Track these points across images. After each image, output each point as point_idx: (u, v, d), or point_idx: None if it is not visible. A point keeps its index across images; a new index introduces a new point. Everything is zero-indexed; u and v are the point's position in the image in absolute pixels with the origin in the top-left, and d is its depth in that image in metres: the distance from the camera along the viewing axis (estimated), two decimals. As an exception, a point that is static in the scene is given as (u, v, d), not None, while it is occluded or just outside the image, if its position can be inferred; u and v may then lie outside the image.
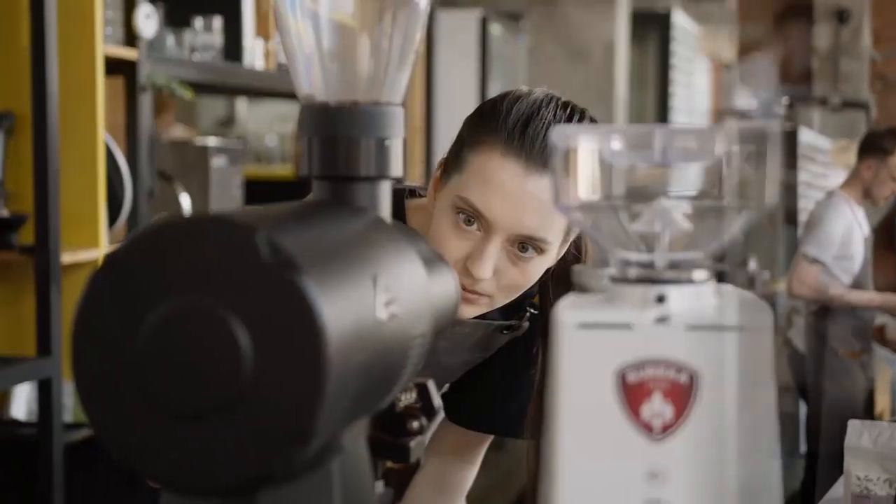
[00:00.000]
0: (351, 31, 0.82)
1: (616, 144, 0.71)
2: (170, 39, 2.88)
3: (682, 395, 0.68)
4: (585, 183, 0.72)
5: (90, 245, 2.47)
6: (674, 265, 0.72)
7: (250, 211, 0.68)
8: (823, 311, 4.34)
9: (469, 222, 1.25)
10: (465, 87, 5.04)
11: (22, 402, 2.51)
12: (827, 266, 4.23)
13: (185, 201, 2.86)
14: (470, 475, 1.52)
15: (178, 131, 4.06)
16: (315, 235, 0.68)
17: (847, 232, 4.27)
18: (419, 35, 0.84)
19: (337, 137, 0.80)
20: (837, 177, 8.61)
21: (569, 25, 5.33)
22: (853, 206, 4.31)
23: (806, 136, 7.21)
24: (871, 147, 4.32)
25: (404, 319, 0.72)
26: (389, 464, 1.04)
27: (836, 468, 4.60)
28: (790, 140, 6.99)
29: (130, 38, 2.63)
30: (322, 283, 0.62)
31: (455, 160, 1.28)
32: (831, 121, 8.19)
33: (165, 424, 0.62)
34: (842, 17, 9.31)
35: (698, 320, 0.68)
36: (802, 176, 6.74)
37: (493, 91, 5.95)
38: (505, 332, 1.43)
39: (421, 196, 1.43)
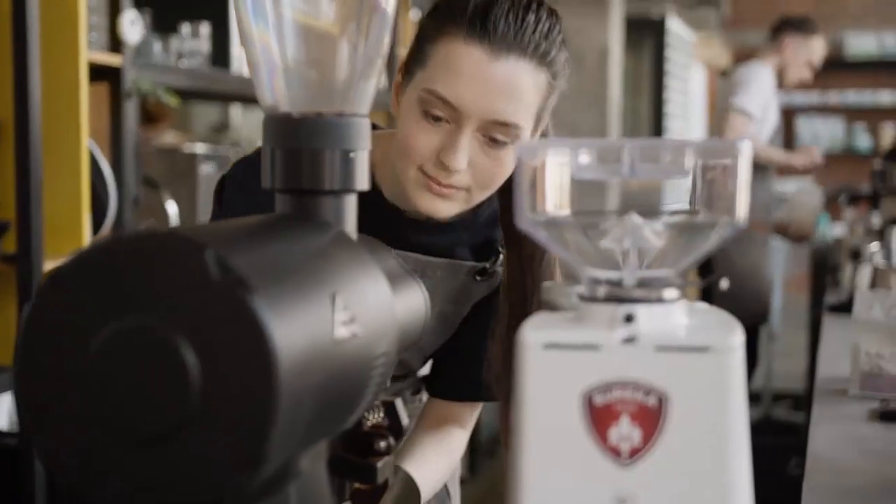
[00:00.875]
0: (315, 40, 0.80)
1: (584, 159, 0.69)
2: (156, 45, 2.86)
3: (651, 418, 0.66)
4: (552, 198, 0.70)
5: (74, 253, 2.44)
6: (644, 283, 0.70)
7: (205, 227, 0.65)
8: None
9: (437, 118, 1.23)
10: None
11: (4, 411, 2.48)
12: (754, 123, 4.34)
13: (172, 209, 2.84)
14: (464, 439, 1.50)
15: (169, 137, 4.04)
16: (271, 253, 0.65)
17: (769, 97, 4.38)
18: (386, 42, 0.82)
19: (300, 149, 0.78)
20: (699, 70, 8.67)
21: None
22: (773, 77, 4.44)
23: (674, 26, 7.24)
24: (792, 27, 4.43)
25: (365, 338, 0.70)
26: (357, 485, 1.02)
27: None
28: (658, 28, 7.06)
29: (116, 44, 2.61)
30: (274, 303, 0.60)
31: (416, 57, 1.26)
32: (685, 15, 8.21)
33: (112, 449, 0.60)
34: None
35: (667, 341, 0.66)
36: (668, 66, 6.87)
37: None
38: (479, 277, 1.41)
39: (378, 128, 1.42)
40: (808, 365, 5.13)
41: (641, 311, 0.68)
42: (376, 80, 0.83)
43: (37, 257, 2.29)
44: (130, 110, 2.62)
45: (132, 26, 2.57)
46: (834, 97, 9.99)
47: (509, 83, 1.21)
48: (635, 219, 0.70)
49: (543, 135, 1.32)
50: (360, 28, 0.81)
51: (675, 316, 0.69)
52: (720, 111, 4.37)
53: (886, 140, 9.88)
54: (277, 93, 0.80)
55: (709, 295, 4.23)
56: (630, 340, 0.66)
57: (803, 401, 5.11)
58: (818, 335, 2.89)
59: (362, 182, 0.80)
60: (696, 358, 0.66)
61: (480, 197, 1.27)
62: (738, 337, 0.66)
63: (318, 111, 0.79)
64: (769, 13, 10.06)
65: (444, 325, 1.44)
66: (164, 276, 0.59)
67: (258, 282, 0.59)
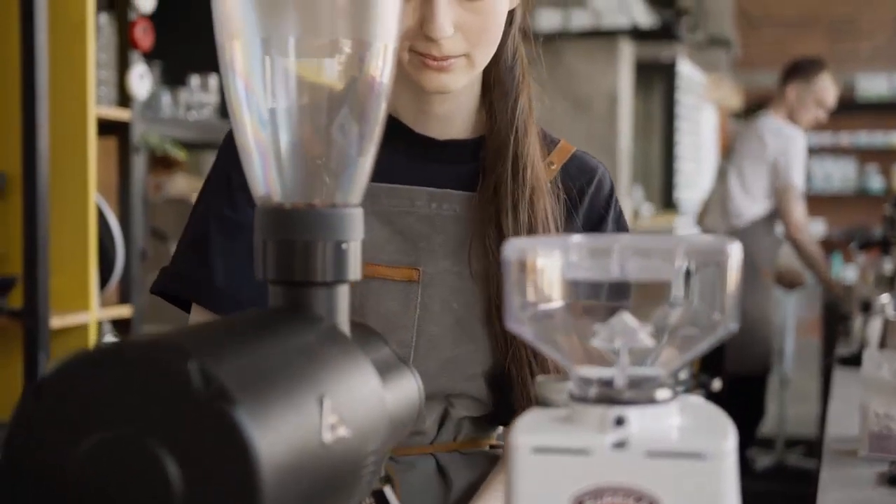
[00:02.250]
0: (309, 130, 0.80)
1: (573, 257, 0.68)
2: (165, 97, 2.87)
3: (642, 524, 0.65)
4: (540, 296, 0.70)
5: (81, 308, 2.44)
6: (635, 383, 0.69)
7: (190, 332, 0.65)
8: (751, 228, 4.40)
9: None
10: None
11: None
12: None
13: (180, 260, 2.83)
14: None
15: (181, 183, 4.05)
16: (257, 357, 0.65)
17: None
18: (378, 131, 0.81)
19: (293, 241, 0.78)
20: (710, 111, 8.67)
21: (572, 77, 5.33)
22: (803, 135, 4.46)
23: (684, 68, 7.24)
24: (795, 71, 4.46)
25: (355, 439, 0.69)
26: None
27: (742, 390, 4.62)
28: (668, 71, 7.06)
29: (124, 98, 2.62)
30: (259, 413, 0.59)
31: None
32: (696, 57, 8.21)
33: (95, 559, 0.59)
34: None
35: (659, 446, 0.65)
36: (679, 109, 6.87)
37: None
38: None
39: None
40: (819, 415, 5.09)
41: (633, 414, 0.67)
42: (369, 169, 0.82)
43: (43, 313, 2.29)
44: (138, 164, 2.63)
45: (141, 81, 2.59)
46: (846, 138, 9.99)
47: None
48: (626, 318, 0.69)
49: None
50: (352, 112, 0.81)
51: (668, 417, 0.68)
52: (781, 189, 4.35)
53: (899, 181, 9.87)
54: (270, 183, 0.80)
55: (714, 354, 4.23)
56: (621, 445, 0.65)
57: (817, 447, 5.06)
58: (829, 385, 2.87)
59: (355, 272, 0.79)
60: (688, 464, 0.65)
61: (483, 57, 1.20)
62: (731, 441, 0.65)
63: (311, 202, 0.79)
64: (780, 54, 10.10)
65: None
66: (147, 387, 0.59)
67: (242, 392, 0.59)
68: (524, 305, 0.70)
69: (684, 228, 7.54)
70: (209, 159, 4.11)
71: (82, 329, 2.47)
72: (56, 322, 2.36)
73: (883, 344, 2.81)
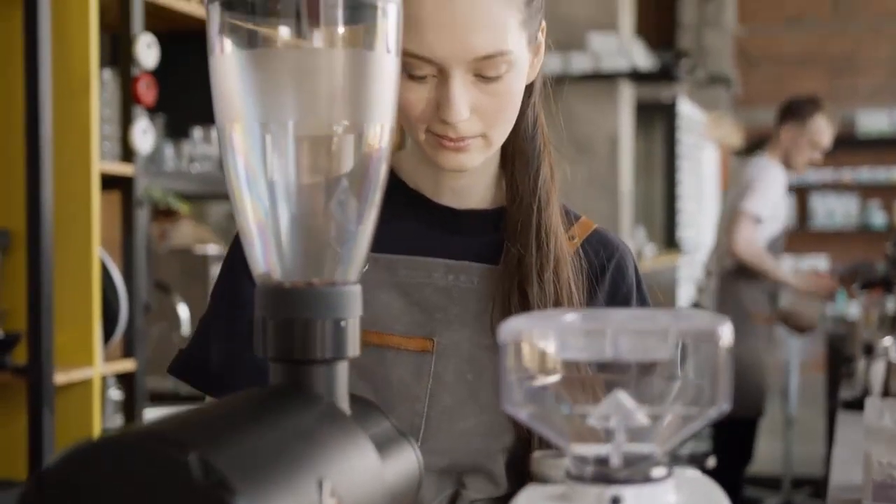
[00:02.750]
0: (306, 209, 0.81)
1: (567, 338, 0.69)
2: (168, 150, 2.90)
3: None
4: (536, 376, 0.71)
5: (85, 364, 2.45)
6: (630, 461, 0.70)
7: (190, 420, 0.66)
8: (739, 271, 4.37)
9: (419, 77, 1.14)
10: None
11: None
12: (760, 226, 4.34)
13: (184, 312, 2.85)
14: None
15: (186, 230, 4.07)
16: (255, 443, 0.66)
17: (778, 197, 4.34)
18: (375, 208, 0.83)
19: (292, 320, 0.79)
20: (711, 149, 8.68)
21: (572, 119, 5.37)
22: (782, 172, 4.45)
23: (685, 108, 7.25)
24: (789, 113, 4.45)
25: (354, 519, 0.70)
26: None
27: (730, 432, 4.61)
28: (669, 111, 7.08)
29: (127, 153, 2.64)
30: (259, 501, 0.60)
31: None
32: (696, 96, 8.23)
33: None
34: None
35: (654, 526, 0.66)
36: (680, 149, 6.87)
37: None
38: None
39: None
40: (825, 456, 5.07)
41: (629, 493, 0.68)
42: (368, 246, 0.83)
43: (47, 369, 2.30)
44: (142, 218, 2.65)
45: (144, 135, 2.61)
46: (848, 174, 10.02)
47: (475, 15, 1.11)
48: (621, 397, 0.70)
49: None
50: (351, 190, 0.83)
51: (664, 496, 0.69)
52: (728, 211, 4.38)
53: (902, 217, 9.89)
54: (269, 262, 0.81)
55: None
56: (617, 525, 0.66)
57: (823, 487, 5.04)
58: (834, 427, 2.87)
59: (354, 349, 0.80)
60: (683, 544, 0.66)
61: (500, 136, 1.19)
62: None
63: (310, 281, 0.80)
64: (780, 91, 10.15)
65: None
66: (148, 478, 0.60)
67: (242, 481, 0.60)
68: (520, 386, 0.71)
69: (687, 268, 7.55)
70: (213, 209, 4.13)
71: (86, 384, 2.47)
72: (60, 378, 2.37)
73: (886, 388, 2.81)
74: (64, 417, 2.40)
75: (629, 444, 0.70)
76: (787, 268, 4.65)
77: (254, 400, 0.74)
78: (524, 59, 1.17)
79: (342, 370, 0.80)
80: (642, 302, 1.31)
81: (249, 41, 0.78)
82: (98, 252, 2.47)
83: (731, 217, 4.35)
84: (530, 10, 1.16)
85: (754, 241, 4.26)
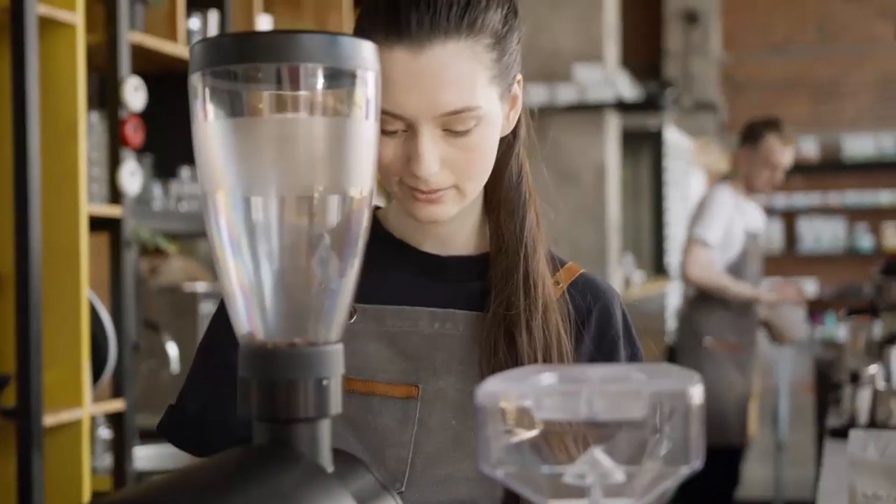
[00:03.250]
0: (288, 273, 0.83)
1: (544, 399, 0.71)
2: (157, 189, 2.92)
3: None
4: (512, 436, 0.72)
5: (74, 405, 2.46)
6: (607, 518, 0.71)
7: (170, 484, 0.67)
8: (699, 299, 4.36)
9: (390, 132, 1.15)
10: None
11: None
12: (713, 250, 4.30)
13: (173, 350, 2.86)
14: None
15: (176, 266, 4.07)
16: (240, 507, 0.67)
17: (729, 220, 4.30)
18: (355, 273, 0.85)
19: (275, 380, 0.81)
20: (698, 175, 8.71)
21: (559, 150, 5.40)
22: (738, 197, 4.39)
23: (671, 136, 7.29)
24: (744, 136, 4.48)
25: (337, 579, 0.71)
26: None
27: (715, 461, 4.55)
28: (656, 139, 7.11)
29: (115, 194, 2.66)
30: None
31: None
32: (683, 123, 8.27)
33: None
34: (691, 18, 9.46)
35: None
36: (667, 176, 6.88)
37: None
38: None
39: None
40: (815, 481, 5.09)
41: (605, 550, 0.69)
42: (349, 305, 0.85)
43: (36, 411, 2.31)
44: (130, 259, 2.66)
45: (132, 177, 2.63)
46: (834, 198, 10.08)
47: (443, 71, 1.13)
48: (598, 455, 0.72)
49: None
50: (331, 252, 0.85)
51: (639, 553, 0.70)
52: (686, 239, 4.41)
53: (888, 240, 9.94)
54: (253, 323, 0.83)
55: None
56: (593, 584, 0.68)
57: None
58: (822, 451, 2.88)
59: (336, 407, 0.82)
60: None
61: (473, 187, 1.20)
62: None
63: (292, 341, 0.82)
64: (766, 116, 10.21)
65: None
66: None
67: (226, 549, 0.61)
68: (497, 445, 0.72)
69: (675, 294, 7.57)
70: (202, 245, 4.15)
71: (75, 425, 2.48)
72: (49, 419, 2.37)
73: (873, 416, 2.83)
74: (53, 458, 2.40)
75: (606, 501, 0.72)
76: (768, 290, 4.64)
77: (237, 460, 0.76)
78: (496, 113, 1.18)
79: (325, 428, 0.82)
80: (631, 346, 1.32)
81: (232, 110, 0.81)
82: (87, 293, 2.48)
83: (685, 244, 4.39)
84: (500, 66, 1.18)
85: (706, 264, 4.25)
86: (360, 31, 1.17)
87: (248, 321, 0.83)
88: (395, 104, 1.13)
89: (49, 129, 2.45)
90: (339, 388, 0.83)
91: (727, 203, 4.32)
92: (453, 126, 1.15)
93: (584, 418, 0.71)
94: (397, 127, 1.15)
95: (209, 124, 0.80)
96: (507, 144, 1.26)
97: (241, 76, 0.80)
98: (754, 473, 6.68)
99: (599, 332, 1.30)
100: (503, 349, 1.23)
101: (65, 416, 2.42)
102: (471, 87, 1.14)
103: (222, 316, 1.28)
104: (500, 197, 1.28)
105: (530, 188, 1.30)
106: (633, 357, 1.32)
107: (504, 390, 0.72)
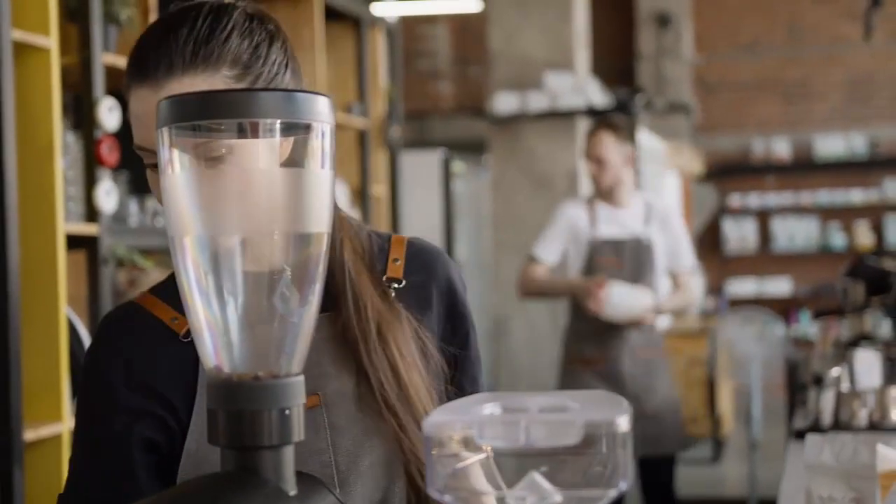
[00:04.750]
0: (252, 311, 0.89)
1: (485, 430, 0.78)
2: (133, 206, 2.97)
3: None
4: (457, 464, 0.79)
5: (53, 419, 2.51)
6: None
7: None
8: (568, 322, 4.22)
9: (153, 166, 1.20)
10: (430, 227, 5.11)
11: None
12: (544, 266, 4.12)
13: (150, 363, 2.91)
14: None
15: (155, 276, 4.11)
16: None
17: (569, 234, 4.14)
18: (314, 309, 0.91)
19: (241, 411, 0.87)
20: (672, 177, 8.78)
21: (532, 157, 5.47)
22: (581, 207, 4.19)
23: (644, 139, 7.36)
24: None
25: None
26: None
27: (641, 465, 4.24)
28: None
29: (92, 212, 2.71)
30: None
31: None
32: (656, 125, 8.36)
33: None
34: (663, 20, 9.56)
35: None
36: (641, 179, 6.87)
37: (459, 227, 6.08)
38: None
39: None
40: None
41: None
42: (309, 339, 0.91)
43: (16, 427, 2.36)
44: (107, 276, 2.72)
45: (107, 196, 2.69)
46: (807, 197, 10.20)
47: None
48: (536, 478, 0.79)
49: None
50: (293, 289, 0.91)
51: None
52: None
53: (860, 238, 10.07)
54: (219, 357, 0.89)
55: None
56: None
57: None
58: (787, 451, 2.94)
59: (299, 433, 0.89)
60: None
61: None
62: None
63: (256, 374, 0.88)
64: (739, 117, 10.34)
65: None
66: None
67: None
68: (443, 471, 0.79)
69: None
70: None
71: (55, 440, 2.53)
72: (29, 435, 2.43)
73: (836, 417, 2.90)
74: (34, 473, 2.45)
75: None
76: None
77: (205, 486, 0.82)
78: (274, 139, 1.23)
79: (288, 454, 0.88)
80: (463, 295, 1.37)
81: (197, 162, 0.87)
82: (65, 310, 2.54)
83: None
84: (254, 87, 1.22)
85: (528, 274, 4.10)
86: (124, 80, 1.23)
87: (215, 355, 0.89)
88: (142, 138, 1.20)
89: (26, 150, 2.50)
90: (301, 416, 0.89)
91: (563, 218, 4.14)
92: (208, 155, 1.11)
93: (523, 446, 0.78)
94: (156, 160, 1.15)
95: (175, 175, 0.86)
96: None
97: (205, 131, 0.87)
98: (729, 471, 6.78)
99: (444, 295, 1.35)
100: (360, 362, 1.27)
101: (45, 432, 2.47)
102: None
103: (92, 385, 1.28)
104: None
105: (339, 215, 1.31)
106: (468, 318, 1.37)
107: (449, 421, 0.79)
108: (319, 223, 0.88)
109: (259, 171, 0.87)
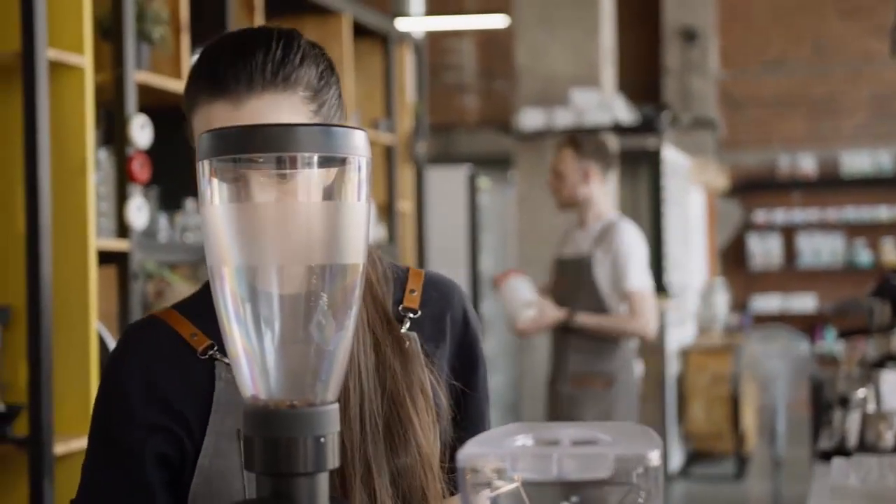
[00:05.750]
0: (289, 340, 0.91)
1: (518, 462, 0.79)
2: (163, 221, 3.00)
3: None
4: (491, 493, 0.80)
5: (84, 434, 2.53)
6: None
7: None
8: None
9: None
10: (456, 241, 5.12)
11: None
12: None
13: (178, 378, 2.93)
14: None
15: (181, 288, 4.14)
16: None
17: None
18: (349, 338, 0.92)
19: (277, 438, 0.88)
20: (697, 193, 8.74)
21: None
22: (567, 228, 4.20)
23: (669, 154, 7.35)
24: None
25: None
26: None
27: None
28: (653, 158, 7.10)
29: (123, 228, 2.74)
30: None
31: (189, 138, 1.26)
32: (681, 140, 8.33)
33: None
34: (689, 35, 9.52)
35: None
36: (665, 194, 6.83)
37: (484, 242, 6.09)
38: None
39: None
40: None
41: None
42: (345, 366, 0.93)
43: (47, 440, 2.39)
44: (137, 291, 2.74)
45: (139, 212, 2.72)
46: (833, 214, 10.16)
47: (262, 120, 1.20)
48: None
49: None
50: (329, 316, 0.93)
51: None
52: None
53: (887, 255, 10.02)
54: (256, 385, 0.91)
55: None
56: None
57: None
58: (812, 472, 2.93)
59: (333, 461, 0.90)
60: None
61: None
62: None
63: (292, 402, 0.90)
64: (764, 133, 10.32)
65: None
66: None
67: None
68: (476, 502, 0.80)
69: (675, 312, 7.64)
70: (204, 271, 4.24)
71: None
72: (60, 448, 2.45)
73: (862, 439, 2.89)
74: (64, 486, 2.48)
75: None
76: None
77: (243, 514, 0.84)
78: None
79: (323, 481, 0.90)
80: (475, 331, 1.38)
81: (237, 195, 0.89)
82: (95, 326, 2.57)
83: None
84: (319, 119, 1.25)
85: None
86: (188, 92, 1.25)
87: (252, 384, 0.91)
88: None
89: (59, 167, 2.54)
90: (336, 443, 0.91)
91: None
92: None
93: (555, 478, 0.79)
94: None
95: (215, 207, 0.88)
96: None
97: (244, 163, 0.88)
98: (753, 489, 6.76)
99: (458, 330, 1.37)
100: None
101: (75, 445, 2.50)
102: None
103: (109, 395, 1.28)
104: None
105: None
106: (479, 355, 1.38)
107: (482, 454, 0.80)
108: (356, 254, 0.90)
109: (297, 204, 0.89)
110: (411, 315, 1.33)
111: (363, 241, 0.91)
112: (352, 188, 0.89)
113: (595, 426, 0.85)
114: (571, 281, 4.09)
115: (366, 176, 0.90)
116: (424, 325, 1.34)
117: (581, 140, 4.16)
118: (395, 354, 1.29)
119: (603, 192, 4.14)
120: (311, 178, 0.87)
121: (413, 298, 1.34)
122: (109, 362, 1.31)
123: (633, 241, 4.10)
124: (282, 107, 1.21)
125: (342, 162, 0.89)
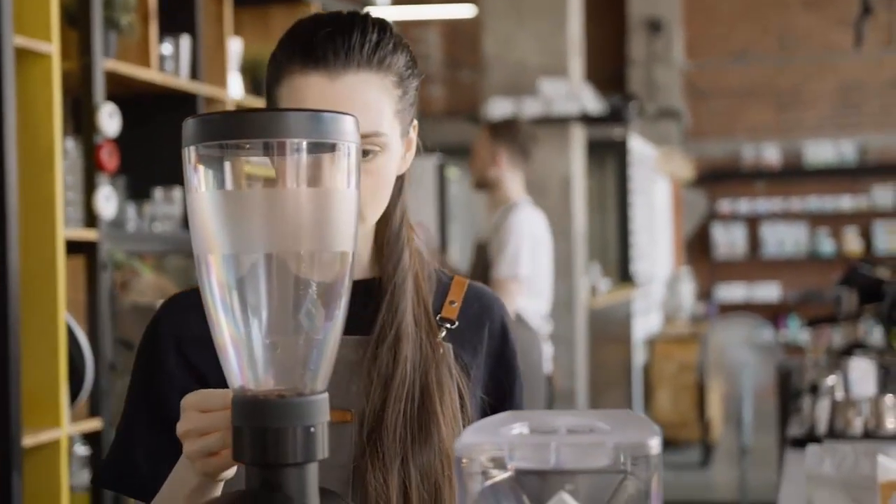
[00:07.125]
0: (276, 329, 0.89)
1: (516, 451, 0.78)
2: (131, 211, 2.97)
3: None
4: (487, 482, 0.79)
5: (52, 425, 2.51)
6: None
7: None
8: None
9: None
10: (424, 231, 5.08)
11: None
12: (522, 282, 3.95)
13: (147, 369, 2.90)
14: None
15: (147, 281, 4.10)
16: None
17: (530, 245, 4.01)
18: (339, 327, 0.91)
19: (265, 428, 0.87)
20: (663, 182, 8.79)
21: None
22: (532, 214, 4.11)
23: (636, 145, 7.40)
24: None
25: None
26: None
27: None
28: (620, 148, 7.13)
29: (91, 218, 2.71)
30: None
31: (270, 106, 1.26)
32: (647, 130, 8.38)
33: None
34: (654, 26, 9.57)
35: None
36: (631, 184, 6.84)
37: (453, 232, 6.09)
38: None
39: None
40: (778, 485, 5.18)
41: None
42: (333, 357, 0.92)
43: (15, 431, 2.36)
44: (105, 281, 2.71)
45: (107, 202, 2.68)
46: (796, 204, 10.23)
47: (354, 97, 1.22)
48: (565, 497, 0.79)
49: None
50: (317, 306, 0.91)
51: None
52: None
53: (849, 244, 10.11)
54: (244, 376, 0.89)
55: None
56: None
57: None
58: (784, 457, 2.94)
59: (323, 451, 0.89)
60: None
61: (373, 214, 1.27)
62: None
63: (281, 392, 0.89)
64: (729, 124, 10.37)
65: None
66: None
67: None
68: (474, 490, 0.79)
69: (641, 300, 7.69)
70: (173, 262, 4.19)
71: (54, 445, 2.53)
72: (28, 440, 2.42)
73: (831, 426, 2.90)
74: (32, 478, 2.45)
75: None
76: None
77: (231, 503, 0.82)
78: (397, 147, 1.27)
79: (312, 471, 0.89)
80: (513, 354, 1.39)
81: (223, 181, 0.87)
82: (64, 316, 2.53)
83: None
84: (403, 104, 1.27)
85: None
86: (276, 63, 1.26)
87: (240, 374, 0.90)
88: None
89: (26, 155, 2.50)
90: (325, 433, 0.89)
91: (523, 229, 4.03)
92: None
93: (553, 467, 0.78)
94: None
95: (201, 194, 0.87)
96: (397, 188, 1.32)
97: (231, 150, 0.87)
98: (719, 476, 6.80)
99: (496, 343, 1.38)
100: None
101: (43, 437, 2.47)
102: (378, 114, 1.23)
103: (151, 348, 1.29)
104: (385, 239, 1.34)
105: (410, 235, 1.36)
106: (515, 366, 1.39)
107: (479, 443, 0.79)
108: (345, 242, 0.89)
109: (284, 192, 0.87)
110: (448, 325, 1.33)
111: (352, 227, 0.90)
112: (341, 175, 0.88)
113: (592, 414, 0.84)
114: (477, 265, 4.08)
115: (355, 163, 0.89)
116: (462, 335, 1.35)
117: (498, 126, 4.20)
118: (431, 356, 1.30)
119: (511, 176, 4.10)
120: (299, 164, 0.86)
121: (452, 309, 1.35)
122: (150, 327, 1.31)
123: (518, 228, 3.98)
124: (374, 86, 1.23)
125: (331, 148, 0.87)
